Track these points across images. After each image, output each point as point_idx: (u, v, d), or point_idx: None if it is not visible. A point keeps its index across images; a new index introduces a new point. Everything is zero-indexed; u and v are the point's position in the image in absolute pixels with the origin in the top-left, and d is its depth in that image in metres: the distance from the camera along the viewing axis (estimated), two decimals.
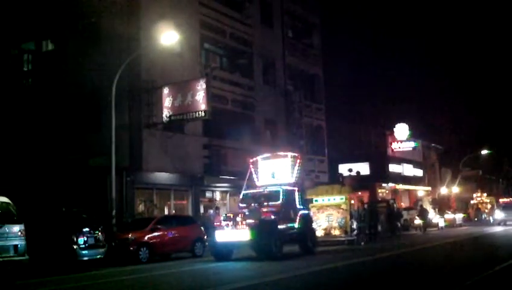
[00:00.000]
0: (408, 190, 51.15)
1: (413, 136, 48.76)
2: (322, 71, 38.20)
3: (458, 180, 56.54)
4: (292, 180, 20.00)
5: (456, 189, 55.90)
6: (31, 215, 15.78)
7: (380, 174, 45.46)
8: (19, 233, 14.43)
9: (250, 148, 26.44)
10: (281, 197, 18.77)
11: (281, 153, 21.06)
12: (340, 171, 38.56)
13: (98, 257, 17.15)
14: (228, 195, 29.07)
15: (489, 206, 51.01)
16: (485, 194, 54.30)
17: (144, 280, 14.11)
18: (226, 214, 19.42)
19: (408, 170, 50.85)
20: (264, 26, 32.65)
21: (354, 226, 23.53)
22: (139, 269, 16.26)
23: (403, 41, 77.72)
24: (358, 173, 37.21)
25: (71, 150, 23.85)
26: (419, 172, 53.23)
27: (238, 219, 17.52)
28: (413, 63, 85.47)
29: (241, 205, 19.15)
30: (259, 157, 20.82)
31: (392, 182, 46.95)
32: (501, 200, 51.59)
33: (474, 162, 60.30)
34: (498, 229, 32.96)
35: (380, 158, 46.10)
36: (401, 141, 48.24)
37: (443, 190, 55.06)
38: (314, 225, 22.57)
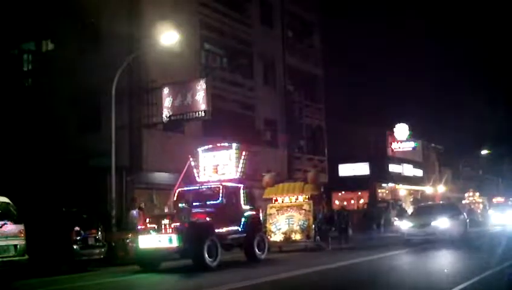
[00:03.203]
0: (408, 190, 51.14)
1: (413, 136, 48.72)
2: (322, 71, 38.19)
3: (445, 179, 55.31)
4: (237, 175, 17.53)
5: (442, 188, 52.88)
6: (31, 215, 15.76)
7: (380, 174, 45.48)
8: (19, 233, 14.42)
9: (250, 149, 26.35)
10: (220, 195, 16.31)
11: (224, 144, 18.35)
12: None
13: (98, 257, 17.17)
14: None
15: (481, 206, 48.77)
16: (477, 194, 51.53)
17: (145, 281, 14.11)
18: (151, 216, 16.56)
19: (408, 170, 50.84)
20: (264, 26, 32.63)
21: (317, 229, 21.01)
22: (138, 269, 16.25)
23: (403, 41, 77.77)
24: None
25: (71, 150, 23.84)
26: (419, 172, 53.19)
27: (165, 221, 14.84)
28: (413, 63, 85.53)
29: (175, 205, 16.60)
30: (199, 149, 18.44)
31: (392, 182, 46.96)
32: (495, 199, 51.00)
33: (474, 162, 60.24)
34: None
35: (380, 158, 46.11)
36: (401, 141, 48.18)
37: (428, 189, 52.55)
38: (273, 228, 21.03)
